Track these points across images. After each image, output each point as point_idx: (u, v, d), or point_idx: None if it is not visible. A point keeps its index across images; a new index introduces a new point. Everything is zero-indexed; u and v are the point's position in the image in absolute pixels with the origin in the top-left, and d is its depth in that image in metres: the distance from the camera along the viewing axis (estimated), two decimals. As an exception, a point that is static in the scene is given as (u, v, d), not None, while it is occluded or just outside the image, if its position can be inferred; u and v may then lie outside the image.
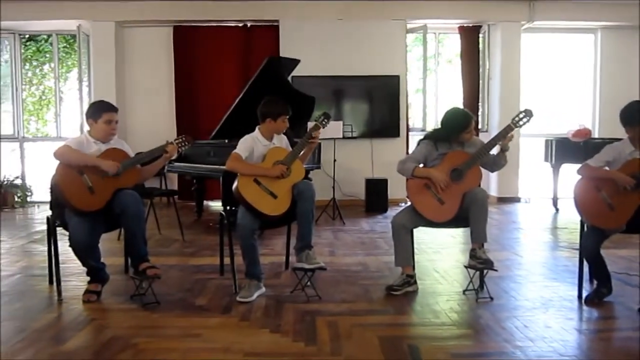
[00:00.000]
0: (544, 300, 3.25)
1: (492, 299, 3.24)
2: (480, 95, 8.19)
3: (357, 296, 3.36)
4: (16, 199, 7.74)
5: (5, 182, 7.66)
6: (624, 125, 3.15)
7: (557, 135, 7.21)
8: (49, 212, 3.46)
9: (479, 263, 3.26)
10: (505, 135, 3.34)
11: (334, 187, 6.56)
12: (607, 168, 3.18)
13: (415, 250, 3.55)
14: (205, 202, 6.93)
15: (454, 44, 8.47)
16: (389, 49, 7.75)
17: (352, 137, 7.17)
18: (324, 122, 3.56)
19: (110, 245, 4.49)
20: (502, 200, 7.90)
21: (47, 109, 8.81)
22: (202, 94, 7.78)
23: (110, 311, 3.13)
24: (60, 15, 7.49)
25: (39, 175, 7.87)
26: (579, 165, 3.23)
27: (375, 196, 7.03)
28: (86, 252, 3.19)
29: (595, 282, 3.32)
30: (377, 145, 7.71)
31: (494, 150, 3.43)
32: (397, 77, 7.73)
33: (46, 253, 3.58)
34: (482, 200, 3.28)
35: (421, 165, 3.44)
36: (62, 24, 7.79)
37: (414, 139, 7.39)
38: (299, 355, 2.47)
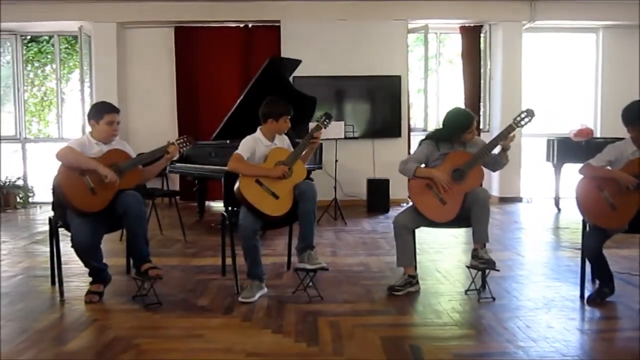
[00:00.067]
0: (546, 300, 3.25)
1: (494, 299, 3.24)
2: (482, 95, 8.19)
3: (359, 296, 3.36)
4: (18, 199, 7.76)
5: (8, 183, 7.68)
6: (625, 125, 3.14)
7: (559, 135, 7.20)
8: (51, 213, 3.47)
9: (481, 263, 3.26)
10: (506, 135, 3.33)
11: (335, 188, 6.56)
12: (609, 168, 3.17)
13: (417, 251, 3.55)
14: (207, 203, 6.93)
15: (455, 43, 8.46)
16: (390, 49, 7.74)
17: (353, 138, 7.17)
18: (325, 123, 3.57)
19: (112, 246, 4.50)
20: (504, 200, 7.89)
21: (48, 110, 8.83)
22: (204, 94, 7.79)
23: (112, 312, 3.14)
24: (61, 17, 7.50)
25: (41, 176, 7.89)
26: (580, 165, 3.23)
27: (377, 196, 7.03)
28: (88, 253, 3.20)
29: (597, 282, 3.31)
30: (379, 145, 7.71)
31: (496, 150, 3.42)
32: (399, 77, 7.73)
33: (48, 254, 3.58)
34: (484, 200, 3.28)
35: (423, 165, 3.44)
36: (63, 25, 7.80)
37: (416, 139, 7.38)
38: (301, 356, 2.47)
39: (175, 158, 3.58)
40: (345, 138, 6.68)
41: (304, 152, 3.48)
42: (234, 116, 5.68)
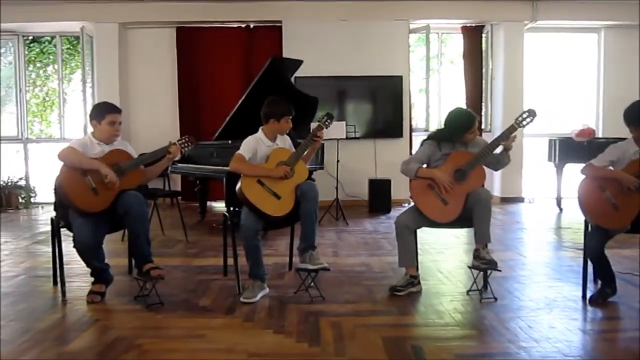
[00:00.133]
0: (548, 300, 3.24)
1: (495, 299, 3.24)
2: (484, 95, 8.18)
3: (361, 297, 3.36)
4: (20, 200, 7.77)
5: (10, 184, 7.69)
6: (628, 125, 3.14)
7: (560, 135, 7.20)
8: (53, 213, 3.47)
9: (483, 263, 3.26)
10: (508, 136, 3.33)
11: (337, 188, 6.56)
12: (611, 168, 3.17)
13: (419, 251, 3.55)
14: (208, 203, 6.94)
15: (456, 44, 8.46)
16: (392, 49, 7.75)
17: (355, 138, 7.17)
18: (327, 123, 3.57)
19: (114, 246, 4.50)
20: (505, 200, 7.89)
21: (50, 111, 8.84)
22: (205, 94, 7.80)
23: (114, 312, 3.14)
24: (63, 17, 7.51)
25: (43, 177, 7.90)
26: (582, 165, 3.22)
27: (379, 197, 7.03)
28: (90, 253, 3.20)
29: (599, 282, 3.31)
30: (380, 145, 7.71)
31: (497, 150, 3.42)
32: (400, 77, 7.73)
33: (50, 254, 3.58)
34: (486, 201, 3.28)
35: (424, 165, 3.44)
36: (65, 26, 7.81)
37: (417, 139, 7.38)
38: (302, 356, 2.47)
39: (177, 158, 3.58)
40: (347, 138, 6.68)
41: (305, 153, 3.48)
42: (236, 116, 5.68)
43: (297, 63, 6.20)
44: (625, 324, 2.92)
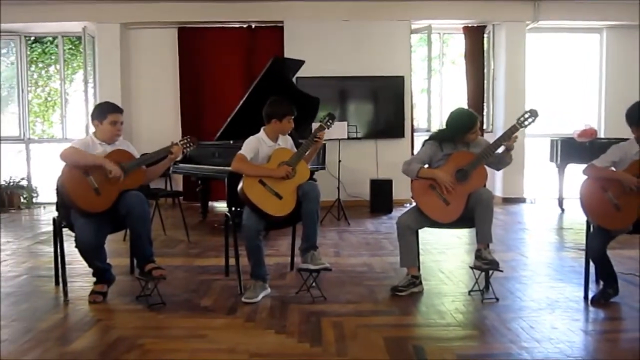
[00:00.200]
0: (549, 301, 3.24)
1: (497, 299, 3.23)
2: (485, 96, 8.17)
3: (362, 297, 3.36)
4: (22, 200, 7.79)
5: (12, 184, 7.70)
6: (630, 125, 3.14)
7: (562, 136, 7.19)
8: (55, 213, 3.48)
9: (485, 264, 3.26)
10: (510, 136, 3.32)
11: (338, 188, 6.56)
12: (613, 168, 3.16)
13: (421, 251, 3.54)
14: (210, 203, 6.94)
15: (458, 44, 8.45)
16: (394, 49, 7.74)
17: (356, 138, 7.16)
18: (328, 123, 3.57)
19: (116, 246, 4.51)
20: (507, 200, 7.88)
21: (52, 111, 8.85)
22: (207, 95, 7.81)
23: (116, 312, 3.14)
24: (65, 17, 7.52)
25: (45, 177, 7.90)
26: (584, 166, 3.22)
27: (380, 197, 7.03)
28: (92, 253, 3.20)
29: (601, 283, 3.30)
30: (382, 145, 7.71)
31: (499, 150, 3.42)
32: (402, 77, 7.73)
33: (52, 254, 3.59)
34: (488, 201, 3.27)
35: (426, 166, 3.44)
36: (67, 26, 7.81)
37: (419, 139, 7.37)
38: (304, 356, 2.47)
39: (178, 158, 3.59)
40: (349, 138, 6.68)
41: (307, 153, 3.49)
42: (237, 116, 5.69)
43: (299, 63, 6.20)
44: (627, 325, 2.91)
